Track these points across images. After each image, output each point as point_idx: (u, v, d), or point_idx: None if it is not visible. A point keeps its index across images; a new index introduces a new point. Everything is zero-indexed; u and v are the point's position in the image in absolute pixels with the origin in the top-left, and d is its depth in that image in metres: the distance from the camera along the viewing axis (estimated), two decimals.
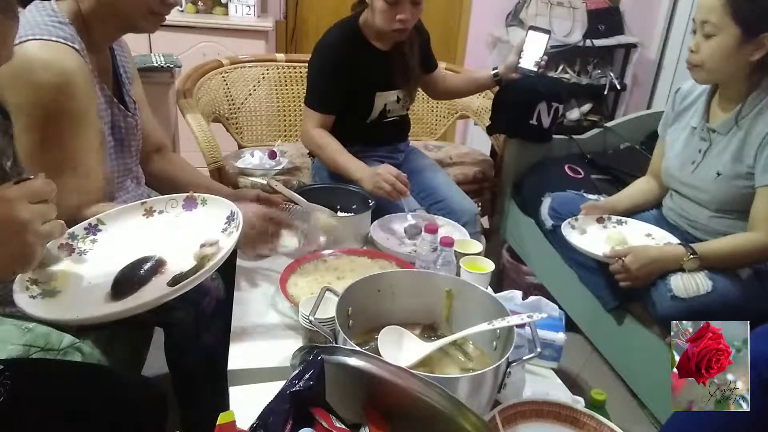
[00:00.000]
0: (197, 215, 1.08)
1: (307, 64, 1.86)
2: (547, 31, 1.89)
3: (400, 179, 1.60)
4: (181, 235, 1.04)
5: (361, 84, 1.81)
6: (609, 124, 2.50)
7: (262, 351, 1.10)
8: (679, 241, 1.56)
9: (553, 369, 1.19)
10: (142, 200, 1.09)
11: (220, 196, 1.08)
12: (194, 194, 1.10)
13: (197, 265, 0.94)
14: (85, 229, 1.02)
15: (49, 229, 0.73)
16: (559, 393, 1.10)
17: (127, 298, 0.92)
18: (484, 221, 2.48)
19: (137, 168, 1.36)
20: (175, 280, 0.92)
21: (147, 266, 0.96)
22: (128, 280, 0.94)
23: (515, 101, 2.13)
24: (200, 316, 1.24)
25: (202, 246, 0.99)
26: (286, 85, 2.54)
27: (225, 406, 1.05)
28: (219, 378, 1.32)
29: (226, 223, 1.03)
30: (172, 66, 2.21)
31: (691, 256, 1.42)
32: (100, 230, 1.03)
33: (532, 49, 1.88)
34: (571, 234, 1.65)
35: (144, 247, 1.01)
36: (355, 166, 1.71)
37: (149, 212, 1.08)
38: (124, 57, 1.32)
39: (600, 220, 1.71)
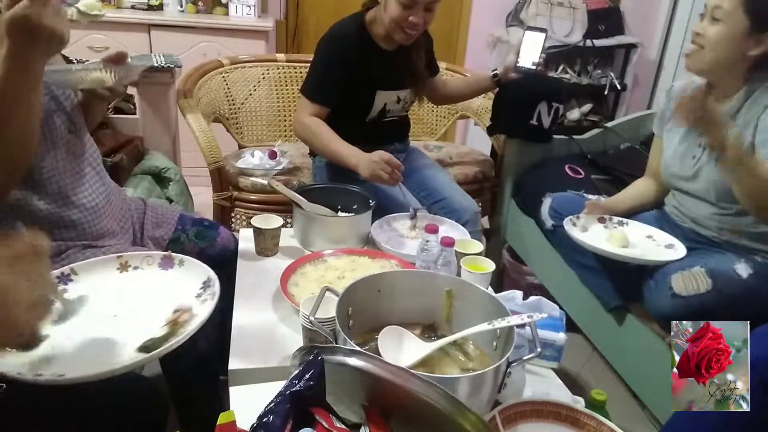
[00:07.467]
0: (172, 276, 1.06)
1: (307, 64, 1.86)
2: (544, 30, 1.93)
3: (392, 163, 1.58)
4: (154, 295, 1.02)
5: (362, 80, 1.81)
6: (609, 125, 2.50)
7: (262, 351, 1.10)
8: (679, 242, 1.57)
9: (553, 369, 1.19)
10: (119, 254, 1.08)
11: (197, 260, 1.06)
12: (172, 254, 1.09)
13: (170, 332, 0.92)
14: (57, 278, 1.00)
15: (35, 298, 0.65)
16: (559, 393, 1.09)
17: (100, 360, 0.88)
18: (484, 221, 2.48)
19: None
20: (146, 347, 0.89)
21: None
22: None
23: (515, 101, 2.13)
24: None
25: (176, 311, 0.96)
26: (287, 85, 2.54)
27: (222, 406, 1.05)
28: (213, 381, 1.32)
29: (201, 289, 1.01)
30: (172, 66, 2.21)
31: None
32: (71, 280, 1.02)
33: (530, 48, 1.91)
34: (573, 231, 1.65)
35: (115, 304, 0.99)
36: (350, 153, 1.68)
37: (124, 267, 1.08)
38: None
39: (601, 220, 1.71)
